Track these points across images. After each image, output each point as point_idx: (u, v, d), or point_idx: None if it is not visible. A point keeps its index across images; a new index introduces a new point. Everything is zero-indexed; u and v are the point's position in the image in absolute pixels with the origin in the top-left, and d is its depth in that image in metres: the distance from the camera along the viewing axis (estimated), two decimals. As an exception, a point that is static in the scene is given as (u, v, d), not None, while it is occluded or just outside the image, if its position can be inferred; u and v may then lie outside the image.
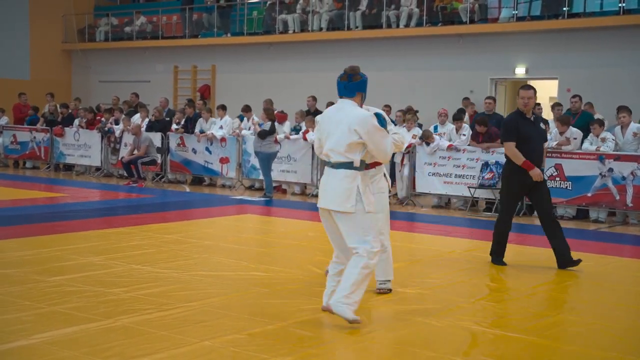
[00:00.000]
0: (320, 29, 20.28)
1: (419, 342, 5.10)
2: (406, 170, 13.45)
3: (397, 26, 18.98)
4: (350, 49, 19.83)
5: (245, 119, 15.35)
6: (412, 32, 18.74)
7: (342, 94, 5.48)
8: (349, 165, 5.31)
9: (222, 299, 6.11)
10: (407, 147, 13.34)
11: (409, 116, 13.52)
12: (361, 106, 5.54)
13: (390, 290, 6.45)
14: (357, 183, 5.29)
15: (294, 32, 20.70)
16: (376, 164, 6.01)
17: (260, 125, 13.81)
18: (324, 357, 4.79)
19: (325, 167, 5.51)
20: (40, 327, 5.14)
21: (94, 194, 13.91)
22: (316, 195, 13.90)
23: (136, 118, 16.50)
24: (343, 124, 5.31)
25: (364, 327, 5.36)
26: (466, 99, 16.34)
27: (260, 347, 4.84)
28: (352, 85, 5.46)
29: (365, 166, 5.58)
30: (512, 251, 8.58)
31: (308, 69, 20.54)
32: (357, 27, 19.69)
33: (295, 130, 14.83)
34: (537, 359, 4.90)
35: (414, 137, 13.39)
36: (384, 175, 6.25)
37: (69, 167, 18.17)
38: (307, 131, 14.30)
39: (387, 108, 15.29)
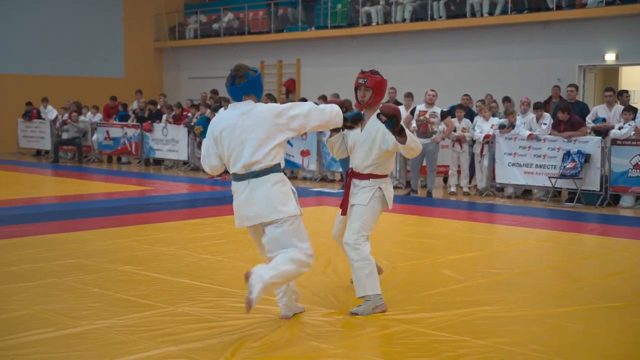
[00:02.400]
0: (404, 20, 20.18)
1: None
2: (486, 161, 13.27)
3: (481, 15, 18.70)
4: (434, 39, 19.69)
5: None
6: (497, 20, 18.42)
7: (233, 99, 5.03)
8: (277, 168, 4.93)
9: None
10: (486, 138, 13.16)
11: (483, 105, 13.34)
12: None
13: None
14: (290, 185, 5.02)
15: (377, 24, 20.68)
16: (372, 176, 5.62)
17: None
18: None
19: (238, 182, 4.99)
20: (104, 313, 5.39)
21: (178, 187, 14.36)
22: (397, 187, 14.00)
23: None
24: (259, 126, 4.85)
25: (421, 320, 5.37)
26: (556, 87, 15.91)
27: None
28: (236, 88, 4.96)
29: (358, 175, 5.62)
30: (593, 242, 8.39)
31: (391, 61, 20.45)
32: (440, 17, 19.50)
33: (375, 122, 14.81)
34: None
35: (492, 127, 13.20)
36: (379, 188, 5.64)
37: (158, 162, 18.76)
38: (384, 123, 14.27)
39: (467, 97, 15.14)
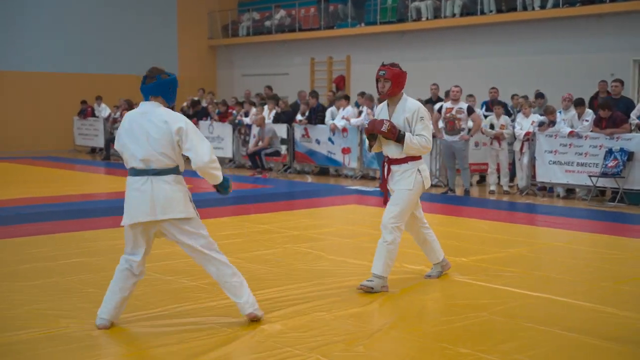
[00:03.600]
0: (454, 15, 19.84)
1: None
2: (525, 159, 12.91)
3: (533, 8, 18.23)
4: (484, 34, 19.31)
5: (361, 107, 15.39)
6: (548, 13, 17.93)
7: (144, 98, 5.06)
8: (175, 170, 4.99)
9: (275, 290, 6.15)
10: (526, 135, 12.81)
11: (525, 101, 12.97)
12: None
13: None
14: (179, 186, 5.00)
15: (427, 19, 20.39)
16: (410, 159, 6.08)
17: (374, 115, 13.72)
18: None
19: (133, 177, 5.01)
20: (86, 314, 5.41)
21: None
22: (437, 185, 13.77)
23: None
24: (158, 127, 4.87)
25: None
26: (603, 82, 15.38)
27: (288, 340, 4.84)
28: (145, 88, 5.00)
29: (395, 160, 6.03)
30: (634, 245, 8.04)
31: (441, 57, 20.19)
32: (491, 12, 19.10)
33: (414, 119, 14.60)
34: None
35: (532, 123, 12.83)
36: (418, 171, 6.14)
37: (205, 159, 18.90)
38: (425, 120, 14.06)
39: (494, 90, 14.89)
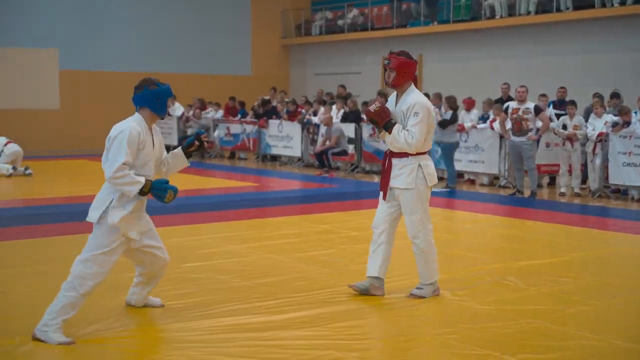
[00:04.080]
0: (529, 13, 19.37)
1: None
2: (598, 160, 12.49)
3: (611, 5, 17.63)
4: (560, 32, 18.79)
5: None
6: (628, 10, 17.29)
7: None
8: None
9: (324, 292, 6.10)
10: (599, 136, 12.39)
11: (598, 101, 12.54)
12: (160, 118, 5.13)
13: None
14: (114, 196, 4.94)
15: (501, 17, 19.97)
16: (404, 154, 5.66)
17: (442, 114, 13.53)
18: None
19: None
20: (119, 318, 5.47)
21: (283, 184, 14.49)
22: (505, 187, 13.48)
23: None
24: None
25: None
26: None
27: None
28: (133, 98, 5.13)
29: (396, 153, 5.65)
30: None
31: (515, 55, 19.75)
32: (567, 9, 18.56)
33: (483, 119, 14.34)
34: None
35: (605, 124, 12.41)
36: (420, 166, 5.69)
37: (275, 158, 19.03)
38: (494, 120, 13.80)
39: (563, 90, 14.49)
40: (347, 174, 16.04)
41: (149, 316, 5.40)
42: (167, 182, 5.05)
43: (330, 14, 25.54)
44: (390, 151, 5.78)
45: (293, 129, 17.97)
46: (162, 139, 5.37)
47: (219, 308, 5.56)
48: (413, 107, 5.61)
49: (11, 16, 21.36)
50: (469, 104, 14.46)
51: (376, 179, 15.44)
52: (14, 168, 14.56)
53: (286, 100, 19.04)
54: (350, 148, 16.04)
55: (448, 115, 13.26)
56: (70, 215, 9.77)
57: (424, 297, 5.84)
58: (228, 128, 19.99)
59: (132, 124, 4.99)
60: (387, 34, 22.97)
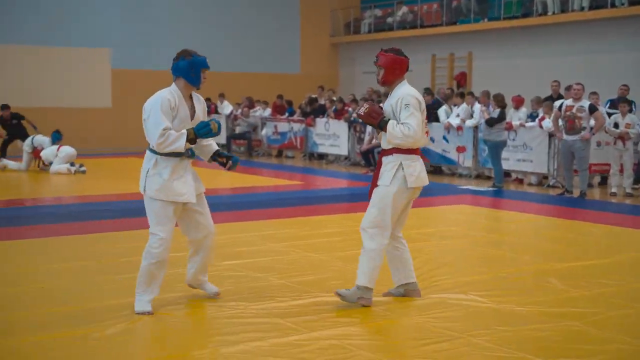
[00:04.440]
0: (582, 9, 19.00)
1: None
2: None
3: (668, -1, 17.19)
4: (614, 28, 18.37)
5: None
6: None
7: None
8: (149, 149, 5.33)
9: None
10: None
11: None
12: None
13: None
14: (149, 165, 5.27)
15: (553, 13, 19.63)
16: (395, 151, 5.43)
17: (489, 112, 13.34)
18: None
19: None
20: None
21: (328, 182, 14.47)
22: (554, 186, 13.23)
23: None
24: None
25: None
26: None
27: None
28: (171, 68, 5.37)
29: (385, 151, 5.46)
30: None
31: (567, 53, 19.39)
32: (622, 4, 18.15)
33: (532, 117, 14.10)
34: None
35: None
36: (401, 165, 5.43)
37: (322, 156, 19.03)
38: (543, 118, 13.56)
39: (624, 87, 13.97)
40: (393, 173, 15.91)
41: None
42: (205, 123, 5.24)
43: (380, 11, 25.44)
44: (382, 150, 5.62)
45: (340, 128, 17.93)
46: (205, 108, 5.54)
47: (252, 306, 5.56)
48: (402, 99, 5.42)
49: (66, 17, 21.82)
50: (518, 102, 14.24)
51: (422, 177, 15.30)
52: (72, 164, 14.85)
53: (333, 98, 19.01)
54: (397, 146, 15.92)
55: (495, 113, 13.06)
56: (121, 212, 9.93)
57: (345, 298, 5.49)
58: (275, 126, 20.07)
59: (163, 93, 5.24)
60: (436, 31, 22.79)
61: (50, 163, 14.80)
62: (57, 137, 15.07)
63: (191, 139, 5.19)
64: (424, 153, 15.87)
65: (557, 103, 12.92)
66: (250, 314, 5.39)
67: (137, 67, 22.76)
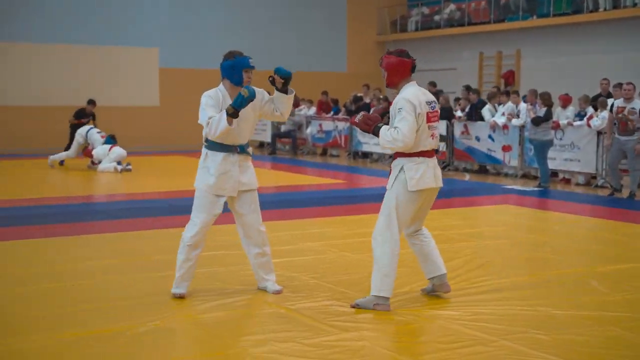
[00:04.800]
0: (635, 5, 18.54)
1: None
2: None
3: None
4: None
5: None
6: None
7: None
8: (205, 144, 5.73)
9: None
10: None
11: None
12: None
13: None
14: (201, 159, 5.70)
15: (604, 9, 19.20)
16: (399, 155, 5.41)
17: (535, 111, 13.11)
18: None
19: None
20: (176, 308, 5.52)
21: (371, 181, 14.39)
22: (602, 187, 12.95)
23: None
24: None
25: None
26: None
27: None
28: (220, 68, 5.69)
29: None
30: None
31: (619, 50, 18.94)
32: (677, -1, 17.70)
33: (579, 115, 13.81)
34: None
35: None
36: (402, 168, 5.41)
37: (366, 155, 18.94)
38: (591, 117, 13.27)
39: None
40: (438, 172, 15.75)
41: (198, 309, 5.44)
42: (237, 95, 5.41)
43: (427, 9, 25.22)
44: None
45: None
46: (262, 98, 5.78)
47: (284, 306, 5.53)
48: (397, 103, 5.37)
49: (115, 17, 22.13)
50: (565, 101, 13.98)
51: (467, 177, 15.15)
52: (119, 163, 15.04)
53: (380, 97, 18.90)
54: (442, 145, 15.78)
55: (542, 112, 12.83)
56: (165, 210, 10.02)
57: (361, 306, 5.45)
58: (320, 125, 20.06)
59: (209, 92, 5.66)
60: (483, 29, 22.49)
61: (100, 162, 15.02)
62: (110, 142, 15.21)
63: (232, 113, 5.38)
64: (468, 153, 15.69)
65: (609, 101, 12.62)
66: (282, 313, 5.37)
67: (184, 66, 22.97)
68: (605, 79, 14.55)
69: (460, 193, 12.73)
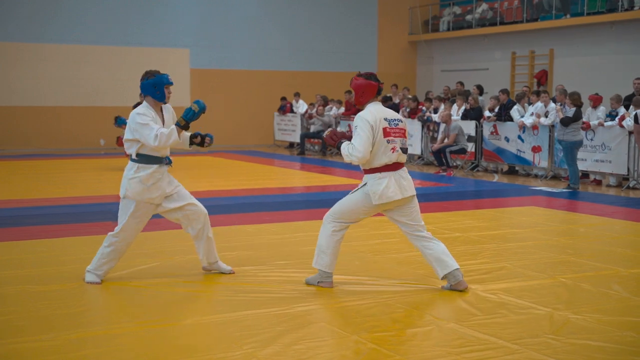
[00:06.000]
0: (672, 2, 18.17)
1: None
2: None
3: None
4: None
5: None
6: None
7: None
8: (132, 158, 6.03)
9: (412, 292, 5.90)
10: None
11: None
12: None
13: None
14: (131, 172, 5.97)
15: (640, 8, 18.84)
16: (366, 171, 5.85)
17: (564, 111, 12.86)
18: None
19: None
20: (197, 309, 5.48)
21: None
22: (635, 188, 12.68)
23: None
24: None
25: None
26: None
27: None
28: (140, 86, 5.99)
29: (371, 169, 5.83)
30: None
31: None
32: None
33: (611, 116, 13.53)
34: None
35: None
36: (366, 184, 5.88)
37: (396, 155, 18.77)
38: (623, 117, 12.99)
39: None
40: (466, 173, 15.58)
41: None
42: (187, 109, 5.89)
43: (459, 9, 24.98)
44: None
45: (413, 127, 17.67)
46: (174, 116, 6.21)
47: (295, 308, 5.47)
48: (354, 122, 5.80)
49: (146, 18, 22.29)
50: (595, 101, 13.69)
51: (496, 177, 14.94)
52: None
53: (407, 97, 18.75)
54: (470, 146, 15.58)
55: (571, 112, 12.59)
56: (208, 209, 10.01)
57: (309, 282, 6.07)
58: (349, 125, 19.94)
59: (140, 109, 5.98)
60: (516, 28, 22.19)
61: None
62: (122, 121, 15.06)
63: (183, 126, 5.91)
64: (497, 153, 15.44)
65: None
66: (290, 316, 5.30)
67: (215, 66, 23.06)
68: (638, 78, 14.23)
69: (487, 194, 12.55)
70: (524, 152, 14.90)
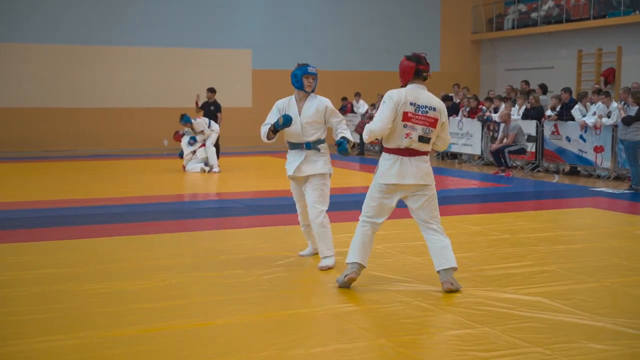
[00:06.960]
0: None
1: None
2: None
3: None
4: None
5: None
6: None
7: None
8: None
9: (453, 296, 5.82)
10: None
11: None
12: None
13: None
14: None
15: None
16: (386, 150, 5.92)
17: (626, 110, 12.49)
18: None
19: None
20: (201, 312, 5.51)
21: (455, 182, 14.09)
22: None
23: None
24: None
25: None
26: None
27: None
28: None
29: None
30: None
31: None
32: None
33: (676, 115, 13.04)
34: None
35: None
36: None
37: (455, 156, 18.58)
38: (688, 116, 12.52)
39: None
40: (526, 173, 15.27)
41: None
42: (276, 122, 6.57)
43: (525, 6, 24.53)
44: None
45: (473, 126, 17.44)
46: (318, 108, 6.68)
47: (326, 308, 5.45)
48: (384, 97, 5.88)
49: (209, 19, 22.63)
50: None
51: (556, 178, 14.60)
52: (206, 164, 15.31)
53: (467, 97, 18.50)
54: (530, 146, 15.27)
55: (633, 111, 12.21)
56: (252, 209, 10.13)
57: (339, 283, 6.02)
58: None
59: (280, 100, 6.88)
60: (582, 25, 21.68)
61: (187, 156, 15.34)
62: (187, 119, 15.22)
63: (272, 130, 6.68)
64: (558, 153, 15.03)
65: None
66: (321, 316, 5.29)
67: (276, 67, 23.22)
68: None
69: (545, 195, 12.30)
70: (585, 152, 14.52)
